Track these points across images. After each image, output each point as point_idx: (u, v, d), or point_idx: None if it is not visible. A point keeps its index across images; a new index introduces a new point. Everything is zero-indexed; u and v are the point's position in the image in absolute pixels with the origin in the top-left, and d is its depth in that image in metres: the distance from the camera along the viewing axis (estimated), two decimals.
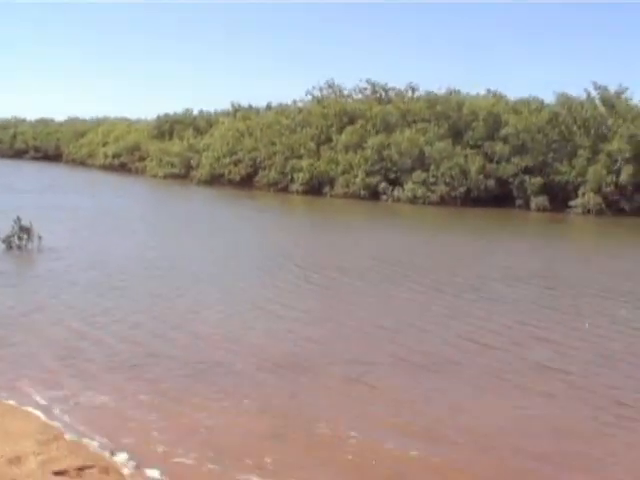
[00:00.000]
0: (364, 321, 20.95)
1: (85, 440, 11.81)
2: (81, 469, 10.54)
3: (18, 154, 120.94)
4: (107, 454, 11.33)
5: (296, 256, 32.21)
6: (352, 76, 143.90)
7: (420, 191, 61.48)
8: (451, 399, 14.55)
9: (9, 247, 30.98)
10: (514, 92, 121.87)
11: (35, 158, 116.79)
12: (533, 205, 59.12)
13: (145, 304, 22.00)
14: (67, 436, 11.88)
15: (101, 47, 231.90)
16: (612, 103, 63.48)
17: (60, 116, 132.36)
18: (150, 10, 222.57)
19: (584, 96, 65.32)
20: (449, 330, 20.00)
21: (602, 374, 16.48)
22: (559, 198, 59.69)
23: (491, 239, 41.92)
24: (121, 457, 11.22)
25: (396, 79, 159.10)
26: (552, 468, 11.63)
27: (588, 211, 57.16)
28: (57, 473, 10.33)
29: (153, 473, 10.70)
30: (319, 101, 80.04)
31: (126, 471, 10.75)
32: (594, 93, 64.99)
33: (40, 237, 31.54)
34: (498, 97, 72.29)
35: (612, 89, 64.51)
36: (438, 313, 22.24)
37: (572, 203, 58.32)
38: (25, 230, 31.37)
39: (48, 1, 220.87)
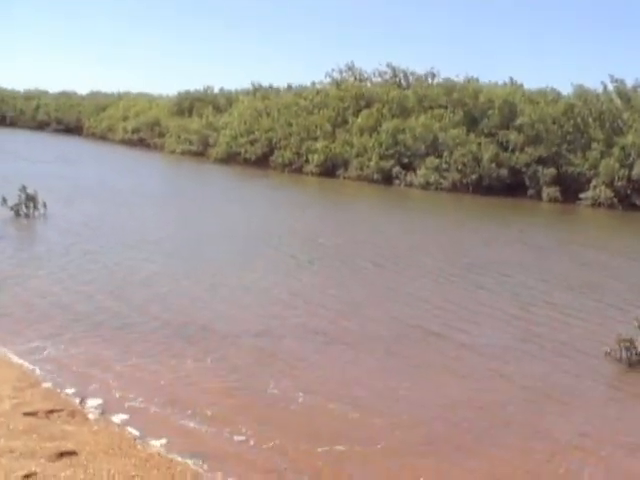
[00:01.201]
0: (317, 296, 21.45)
1: (59, 388, 12.74)
2: (50, 412, 11.53)
3: (40, 126, 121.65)
4: (77, 400, 12.29)
5: (277, 235, 32.65)
6: (375, 60, 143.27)
7: (433, 177, 61.68)
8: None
9: (17, 214, 31.98)
10: (533, 82, 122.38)
11: (57, 130, 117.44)
12: (545, 195, 59.13)
13: (122, 270, 22.89)
14: (44, 384, 12.84)
15: (126, 22, 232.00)
16: (628, 97, 63.42)
17: (83, 90, 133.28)
18: None
19: (601, 89, 65.36)
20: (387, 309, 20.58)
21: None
22: (571, 190, 59.69)
23: (484, 227, 41.98)
24: (89, 403, 12.23)
25: (419, 64, 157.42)
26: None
27: (599, 204, 57.17)
28: (27, 414, 11.27)
29: (114, 418, 11.74)
30: (338, 84, 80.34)
31: (91, 416, 11.76)
32: (611, 86, 64.99)
33: (45, 205, 32.61)
34: (515, 86, 72.33)
35: (629, 83, 64.48)
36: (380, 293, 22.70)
37: (583, 195, 58.36)
38: (31, 198, 32.35)
39: None
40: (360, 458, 10.98)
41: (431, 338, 17.79)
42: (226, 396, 12.99)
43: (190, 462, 10.34)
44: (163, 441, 10.94)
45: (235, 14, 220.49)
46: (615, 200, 57.15)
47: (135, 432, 11.20)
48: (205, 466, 10.31)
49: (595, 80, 76.71)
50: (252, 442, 11.21)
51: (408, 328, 18.49)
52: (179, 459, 10.42)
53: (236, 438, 11.32)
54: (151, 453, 10.52)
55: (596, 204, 57.22)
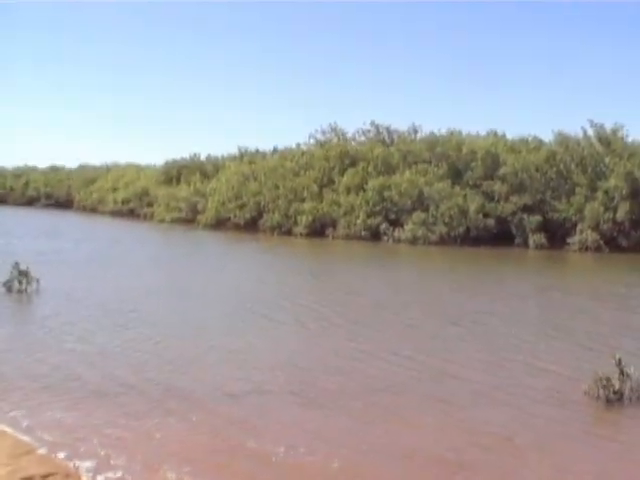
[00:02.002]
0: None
1: (54, 454, 13.11)
2: (46, 476, 11.92)
3: (30, 202, 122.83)
4: (71, 464, 12.65)
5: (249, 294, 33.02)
6: (357, 119, 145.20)
7: (420, 231, 62.28)
8: None
9: (9, 290, 32.17)
10: (515, 130, 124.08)
11: (47, 205, 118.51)
12: (531, 243, 59.82)
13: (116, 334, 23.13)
14: (39, 451, 13.19)
15: (112, 93, 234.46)
16: (608, 141, 64.61)
17: (72, 163, 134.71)
18: (160, 54, 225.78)
19: (581, 134, 66.66)
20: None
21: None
22: (558, 235, 60.47)
23: (464, 279, 42.38)
24: (82, 465, 12.60)
25: (401, 120, 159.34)
26: None
27: (586, 248, 57.82)
28: (24, 479, 11.72)
29: (105, 478, 12.17)
30: (322, 144, 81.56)
31: (84, 478, 12.17)
32: (590, 131, 66.22)
33: (38, 280, 32.80)
34: (497, 136, 73.60)
35: (608, 127, 65.75)
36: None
37: (570, 240, 59.06)
38: (23, 274, 32.58)
39: (54, 50, 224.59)
40: None
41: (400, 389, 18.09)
42: (210, 454, 13.34)
43: None
44: None
45: (217, 80, 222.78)
46: (602, 243, 57.88)
47: None
48: None
49: (575, 125, 78.19)
50: None
51: (382, 383, 18.68)
52: None
53: None
54: None
55: (583, 248, 57.88)
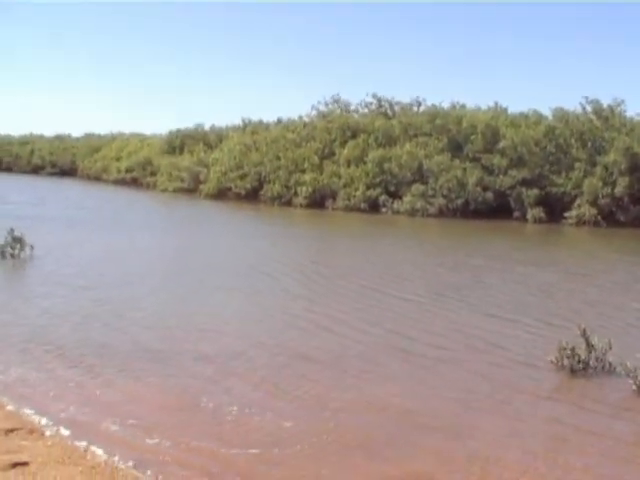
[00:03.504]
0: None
1: (23, 410, 13.58)
2: (10, 430, 12.39)
3: (35, 170, 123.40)
4: (37, 420, 13.12)
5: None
6: (361, 90, 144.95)
7: (419, 203, 62.54)
8: None
9: (3, 256, 32.60)
10: (517, 105, 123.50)
11: (52, 174, 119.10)
12: (530, 216, 60.01)
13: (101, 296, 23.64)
14: (8, 407, 13.69)
15: (118, 62, 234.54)
16: (606, 116, 64.64)
17: (78, 132, 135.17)
18: (168, 28, 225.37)
19: (579, 109, 66.73)
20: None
21: None
22: (556, 210, 60.65)
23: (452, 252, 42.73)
24: (47, 422, 13.05)
25: (404, 93, 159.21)
26: None
27: (584, 222, 58.02)
28: None
29: (68, 433, 12.60)
30: (324, 116, 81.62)
31: (47, 432, 12.58)
32: (588, 107, 66.23)
33: (32, 247, 33.23)
34: (497, 111, 73.57)
35: (605, 102, 65.91)
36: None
37: (567, 214, 59.24)
38: (18, 240, 32.99)
39: (64, 18, 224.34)
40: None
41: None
42: (171, 412, 13.84)
43: (133, 469, 11.09)
44: (110, 452, 11.65)
45: (223, 51, 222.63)
46: (599, 218, 58.06)
47: (85, 444, 11.92)
48: (148, 472, 11.07)
49: (575, 101, 77.97)
50: (189, 450, 12.05)
51: (369, 344, 19.22)
52: (123, 467, 11.14)
53: (174, 447, 12.09)
54: (98, 462, 11.25)
55: (580, 222, 58.09)
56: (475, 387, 16.12)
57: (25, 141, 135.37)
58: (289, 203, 69.95)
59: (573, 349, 17.47)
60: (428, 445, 12.85)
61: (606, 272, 34.75)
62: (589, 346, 17.60)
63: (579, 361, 17.46)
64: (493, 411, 14.69)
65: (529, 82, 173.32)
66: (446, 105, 77.31)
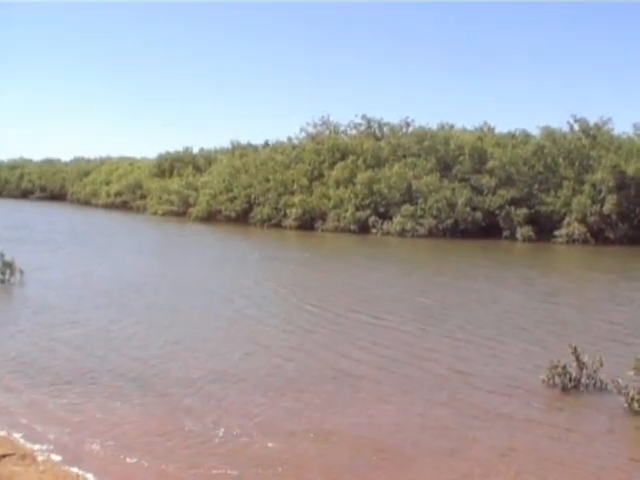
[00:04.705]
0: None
1: (15, 435, 13.60)
2: (2, 456, 12.40)
3: (24, 194, 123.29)
4: (29, 445, 13.13)
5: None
6: (349, 112, 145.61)
7: (409, 224, 62.66)
8: None
9: None
10: (505, 124, 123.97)
11: (41, 198, 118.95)
12: (519, 235, 60.17)
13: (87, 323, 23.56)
14: (0, 432, 13.69)
15: (108, 86, 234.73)
16: (593, 134, 65.08)
17: (66, 156, 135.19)
18: (155, 47, 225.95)
19: (567, 128, 67.25)
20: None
21: None
22: (546, 228, 60.88)
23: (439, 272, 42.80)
24: (40, 447, 13.06)
25: (394, 114, 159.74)
26: None
27: (573, 240, 58.23)
28: None
29: (60, 459, 12.58)
30: (313, 137, 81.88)
31: (40, 458, 12.57)
32: (576, 125, 66.68)
33: (22, 271, 33.08)
34: (484, 131, 74.02)
35: (592, 121, 66.46)
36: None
37: (557, 233, 59.43)
38: (7, 265, 32.85)
39: (50, 44, 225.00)
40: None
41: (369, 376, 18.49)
42: (160, 435, 13.90)
43: None
44: (101, 477, 11.64)
45: (210, 73, 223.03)
46: (588, 236, 58.30)
47: (77, 470, 11.91)
48: None
49: (560, 120, 78.99)
50: (180, 473, 12.10)
51: (354, 366, 19.25)
52: None
53: (165, 470, 12.14)
54: None
55: (570, 241, 58.30)
56: (464, 407, 16.18)
57: (14, 165, 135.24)
58: (279, 225, 70.00)
59: (564, 367, 17.53)
60: (423, 462, 12.93)
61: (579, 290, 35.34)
62: (580, 364, 17.66)
63: (570, 379, 17.52)
64: (485, 430, 14.70)
65: (517, 101, 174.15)
66: (434, 126, 78.00)
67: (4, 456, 12.39)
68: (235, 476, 12.03)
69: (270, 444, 13.46)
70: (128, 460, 12.54)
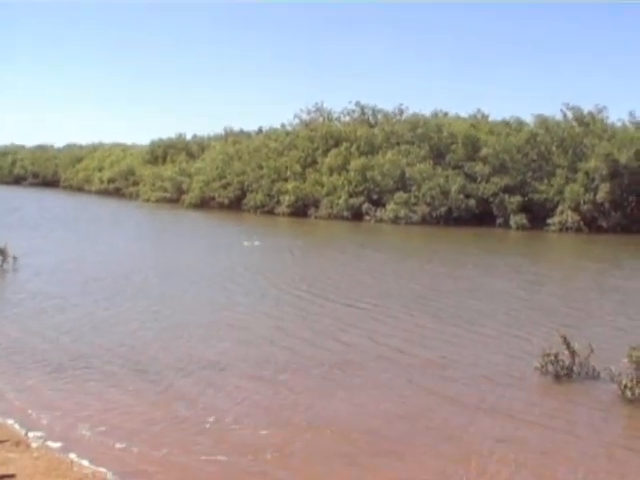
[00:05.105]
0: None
1: (9, 421, 13.64)
2: None
3: (17, 180, 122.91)
4: (23, 432, 13.15)
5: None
6: (344, 99, 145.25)
7: (402, 211, 62.63)
8: None
9: None
10: (499, 112, 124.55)
11: (33, 184, 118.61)
12: (512, 223, 60.20)
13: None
14: None
15: (101, 72, 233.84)
16: (587, 122, 65.01)
17: (59, 142, 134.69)
18: (149, 34, 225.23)
19: (560, 116, 67.13)
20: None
21: None
22: (539, 216, 60.86)
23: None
24: (34, 434, 13.06)
25: (388, 101, 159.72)
26: None
27: (566, 229, 58.27)
28: None
29: (54, 445, 12.62)
30: (306, 124, 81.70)
31: (33, 444, 12.59)
32: (569, 114, 66.61)
33: (15, 257, 33.07)
34: (477, 119, 73.96)
35: (586, 109, 66.25)
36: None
37: (550, 221, 59.47)
38: (0, 251, 32.81)
39: (48, 29, 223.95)
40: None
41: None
42: (151, 421, 13.98)
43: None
44: (96, 463, 11.66)
45: (203, 60, 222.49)
46: (582, 224, 58.34)
47: (72, 456, 11.93)
48: None
49: (554, 108, 78.20)
50: (170, 459, 12.17)
51: (345, 353, 19.36)
52: (110, 477, 11.15)
53: (156, 455, 12.20)
54: (85, 473, 11.27)
55: (563, 229, 58.35)
56: (456, 395, 16.22)
57: (6, 151, 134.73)
58: (272, 212, 69.94)
59: (557, 355, 17.56)
60: (429, 444, 13.00)
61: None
62: (571, 352, 17.70)
63: (563, 367, 17.56)
64: (479, 419, 14.74)
65: (512, 89, 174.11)
66: (428, 113, 77.81)
67: None
68: (224, 462, 12.09)
69: (262, 431, 13.48)
70: (118, 445, 12.59)
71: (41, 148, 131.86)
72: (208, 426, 13.66)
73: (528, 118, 70.98)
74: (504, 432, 13.97)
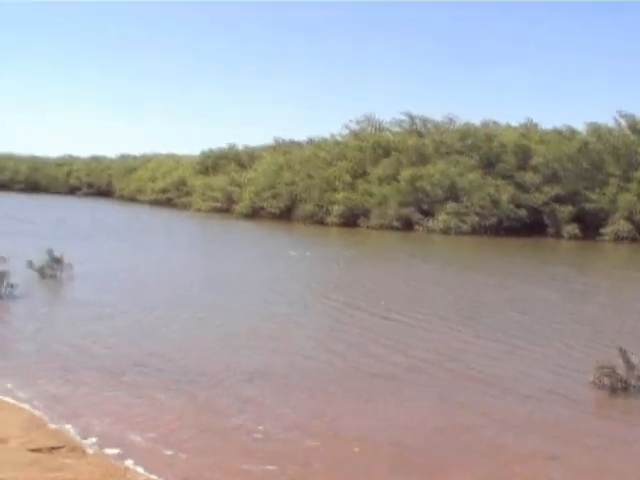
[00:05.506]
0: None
1: (65, 427, 13.84)
2: (53, 448, 12.54)
3: (72, 190, 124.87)
4: (78, 438, 13.35)
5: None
6: (393, 109, 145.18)
7: (453, 222, 62.50)
8: None
9: (43, 276, 32.99)
10: (551, 121, 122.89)
11: (88, 194, 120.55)
12: (564, 233, 59.71)
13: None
14: (50, 425, 13.93)
15: (150, 83, 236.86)
16: None
17: (113, 153, 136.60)
18: (199, 49, 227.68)
19: (613, 124, 66.50)
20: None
21: None
22: (592, 226, 60.30)
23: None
24: (89, 440, 13.26)
25: (437, 111, 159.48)
26: None
27: (620, 238, 57.59)
28: (32, 450, 12.35)
29: (110, 452, 12.81)
30: (356, 134, 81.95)
31: (89, 450, 12.79)
32: (623, 121, 65.88)
33: (71, 266, 33.66)
34: (529, 127, 73.46)
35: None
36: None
37: (603, 231, 58.83)
38: (57, 260, 33.41)
39: (96, 39, 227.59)
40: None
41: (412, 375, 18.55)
42: (204, 430, 14.12)
43: None
44: (150, 470, 11.87)
45: (255, 73, 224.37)
46: (636, 233, 57.62)
47: (126, 463, 12.15)
48: None
49: (607, 116, 77.47)
50: (219, 467, 12.33)
51: (384, 365, 19.27)
52: None
53: (205, 463, 12.39)
54: None
55: (618, 238, 57.68)
56: (503, 412, 16.10)
57: (62, 162, 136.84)
58: (322, 222, 70.21)
59: (613, 368, 17.28)
60: (467, 461, 12.96)
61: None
62: (629, 365, 17.42)
63: (619, 380, 17.29)
64: (528, 432, 14.63)
65: (563, 98, 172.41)
66: (478, 122, 77.54)
67: (55, 448, 12.63)
68: (272, 472, 12.19)
69: (309, 442, 13.57)
70: (167, 452, 12.81)
71: (95, 159, 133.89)
72: (256, 436, 13.78)
73: (580, 126, 70.49)
74: (551, 450, 13.71)
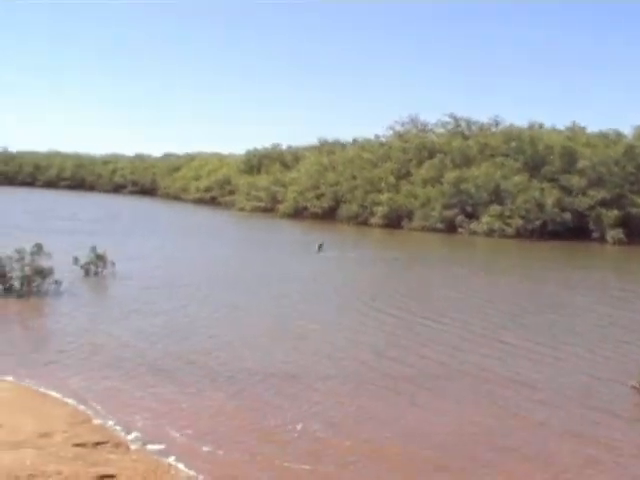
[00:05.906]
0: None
1: (108, 423, 14.21)
2: (97, 443, 12.92)
3: (116, 189, 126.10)
4: (122, 433, 13.72)
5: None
6: (438, 111, 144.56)
7: (497, 224, 62.08)
8: None
9: (87, 274, 33.53)
10: (597, 124, 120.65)
11: (132, 192, 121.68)
12: (609, 238, 59.05)
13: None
14: (95, 421, 14.30)
15: (196, 83, 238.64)
16: None
17: (156, 152, 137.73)
18: (243, 50, 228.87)
19: None
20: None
21: None
22: (637, 231, 59.59)
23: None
24: (132, 436, 13.66)
25: (483, 112, 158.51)
26: None
27: None
28: (77, 445, 12.71)
29: (153, 448, 13.13)
30: (400, 135, 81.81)
31: (133, 446, 13.15)
32: None
33: (114, 263, 34.16)
34: (574, 131, 72.72)
35: None
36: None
37: None
38: (100, 258, 33.94)
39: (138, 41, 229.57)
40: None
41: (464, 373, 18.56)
42: (237, 427, 14.45)
43: None
44: (192, 468, 12.09)
45: (300, 73, 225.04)
46: None
47: (169, 460, 12.37)
48: None
49: None
50: (255, 464, 12.58)
51: (424, 368, 19.49)
52: None
53: (241, 460, 12.67)
54: (181, 477, 11.67)
55: None
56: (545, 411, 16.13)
57: (107, 160, 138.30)
58: (365, 222, 70.20)
59: None
60: (507, 467, 12.98)
61: None
62: None
63: None
64: (570, 437, 14.60)
65: (609, 100, 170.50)
66: (524, 125, 76.93)
67: (99, 443, 12.95)
68: (308, 470, 12.38)
69: (346, 442, 13.74)
70: (205, 449, 13.08)
71: (139, 157, 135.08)
72: (295, 435, 14.01)
73: (626, 130, 69.69)
74: (593, 454, 13.78)
